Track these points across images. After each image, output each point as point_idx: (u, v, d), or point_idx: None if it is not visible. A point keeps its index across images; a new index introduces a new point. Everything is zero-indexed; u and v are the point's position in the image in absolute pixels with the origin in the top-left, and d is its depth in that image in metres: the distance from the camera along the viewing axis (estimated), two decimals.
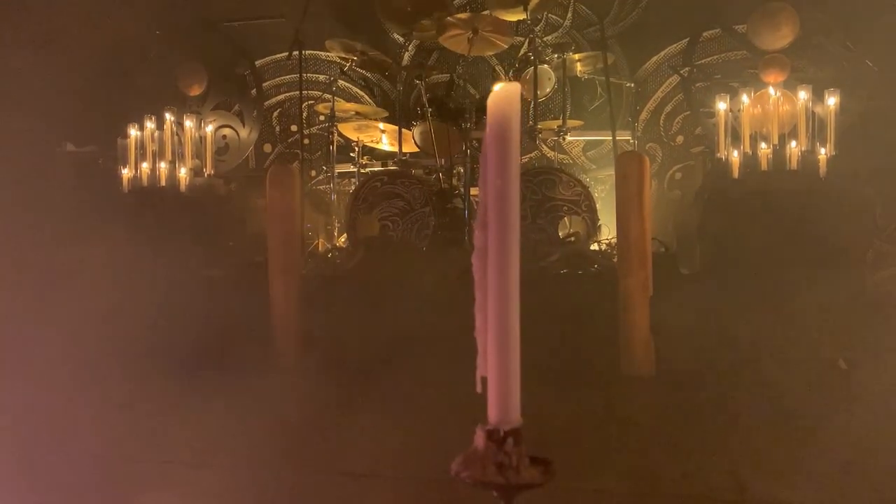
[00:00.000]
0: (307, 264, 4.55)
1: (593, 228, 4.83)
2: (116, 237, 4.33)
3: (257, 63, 6.86)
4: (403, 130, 5.54)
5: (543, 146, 6.37)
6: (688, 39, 6.21)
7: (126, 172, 5.36)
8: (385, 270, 4.37)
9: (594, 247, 4.89)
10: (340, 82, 6.08)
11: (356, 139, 5.79)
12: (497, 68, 6.55)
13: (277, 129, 6.96)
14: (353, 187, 5.60)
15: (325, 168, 6.15)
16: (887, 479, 2.33)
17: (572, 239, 4.76)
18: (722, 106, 4.82)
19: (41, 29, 5.64)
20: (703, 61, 6.18)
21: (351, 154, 5.81)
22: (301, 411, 3.22)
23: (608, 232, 4.97)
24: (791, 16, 5.51)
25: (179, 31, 6.66)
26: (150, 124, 5.45)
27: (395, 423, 2.90)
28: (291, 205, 4.08)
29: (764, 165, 4.58)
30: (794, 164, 4.53)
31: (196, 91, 6.55)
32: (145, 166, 5.36)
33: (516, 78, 5.69)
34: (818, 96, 4.66)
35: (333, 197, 5.76)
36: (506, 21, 5.52)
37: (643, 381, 3.59)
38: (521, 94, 4.55)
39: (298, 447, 2.72)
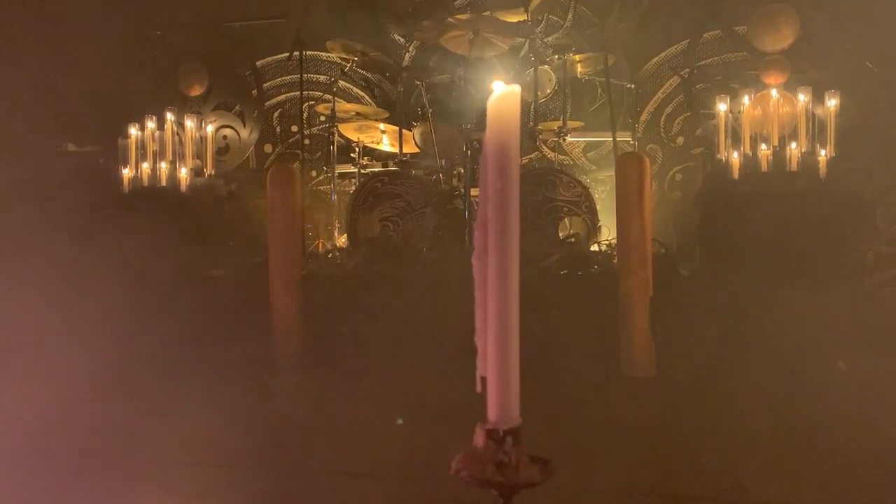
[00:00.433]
0: (307, 264, 4.55)
1: (593, 229, 4.83)
2: (116, 237, 4.34)
3: (258, 63, 6.87)
4: (404, 131, 5.54)
5: (544, 147, 6.37)
6: (688, 41, 6.21)
7: (127, 172, 5.37)
8: (385, 270, 4.37)
9: (594, 248, 4.89)
10: (341, 83, 6.08)
11: (357, 140, 5.80)
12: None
13: (278, 129, 6.97)
14: (353, 188, 5.60)
15: (325, 168, 6.16)
16: (887, 480, 2.33)
17: (572, 240, 4.76)
18: (722, 107, 4.83)
19: (42, 29, 5.64)
20: (703, 62, 6.19)
21: (351, 155, 5.81)
22: (301, 411, 3.23)
23: (608, 233, 4.97)
24: (791, 17, 5.51)
25: (180, 32, 6.67)
26: (150, 124, 5.46)
27: (394, 422, 2.91)
28: (292, 205, 4.09)
29: (764, 167, 4.58)
30: (794, 166, 4.54)
31: (197, 91, 6.56)
32: (146, 166, 5.37)
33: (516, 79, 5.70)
34: (818, 98, 4.67)
35: (334, 197, 5.76)
36: (506, 22, 5.53)
37: (643, 382, 3.60)
38: (521, 96, 4.56)
39: (298, 447, 2.73)
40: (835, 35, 5.57)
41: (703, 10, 6.08)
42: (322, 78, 6.70)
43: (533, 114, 5.60)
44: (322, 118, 6.27)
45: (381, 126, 5.73)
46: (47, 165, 5.54)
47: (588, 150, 6.47)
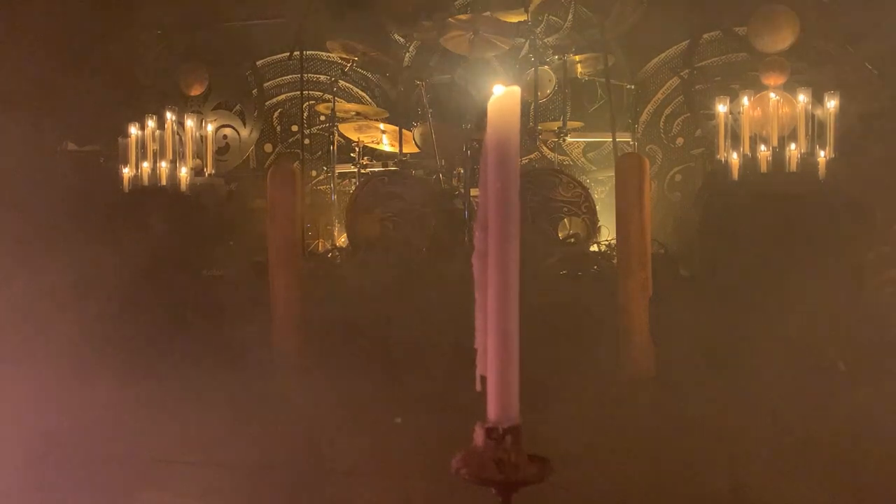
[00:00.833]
0: (307, 264, 4.55)
1: (593, 230, 4.83)
2: (116, 236, 4.34)
3: (258, 63, 6.87)
4: (404, 131, 5.55)
5: (544, 147, 6.37)
6: (688, 42, 6.22)
7: (127, 171, 5.37)
8: (385, 270, 4.38)
9: (594, 248, 4.89)
10: (341, 82, 6.08)
11: (357, 140, 5.80)
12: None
13: (278, 129, 6.96)
14: (353, 188, 5.60)
15: (325, 168, 6.16)
16: (887, 481, 2.34)
17: (572, 240, 4.77)
18: (722, 108, 4.83)
19: (42, 27, 5.64)
20: (703, 63, 6.19)
21: (351, 154, 5.81)
22: (300, 410, 3.23)
23: (608, 233, 4.97)
24: (791, 18, 5.51)
25: (181, 31, 6.67)
26: (151, 123, 5.46)
27: (394, 421, 2.92)
28: (292, 205, 4.09)
29: (763, 168, 4.58)
30: (793, 167, 4.54)
31: (197, 90, 6.56)
32: (146, 165, 5.37)
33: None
34: (818, 99, 4.67)
35: (334, 197, 5.76)
36: (506, 22, 5.53)
37: (643, 382, 3.60)
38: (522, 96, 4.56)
39: (298, 446, 2.73)
40: (834, 36, 5.57)
41: (702, 10, 6.08)
42: (322, 78, 6.70)
43: (533, 114, 5.60)
44: (322, 118, 6.27)
45: (382, 126, 5.73)
46: (48, 164, 5.54)
47: (588, 150, 6.47)
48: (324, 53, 6.59)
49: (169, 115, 5.54)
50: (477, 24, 5.24)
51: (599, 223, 4.89)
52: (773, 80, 5.34)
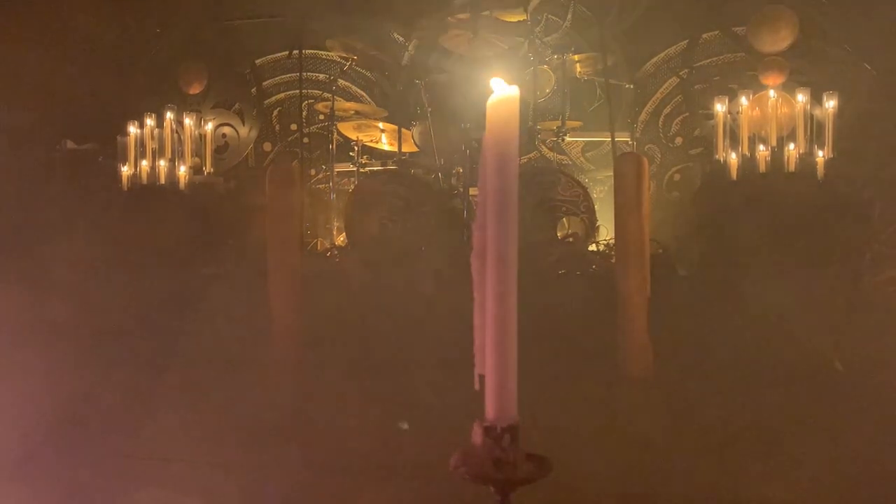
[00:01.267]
0: (306, 263, 4.55)
1: (592, 229, 4.83)
2: (115, 234, 4.34)
3: (257, 61, 6.86)
4: (403, 130, 5.55)
5: (543, 147, 6.37)
6: (687, 41, 6.22)
7: (126, 170, 5.37)
8: (383, 269, 4.38)
9: (592, 247, 4.89)
10: (340, 81, 6.08)
11: (356, 138, 5.80)
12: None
13: (277, 127, 6.96)
14: (352, 186, 5.60)
15: (324, 167, 6.16)
16: (886, 480, 2.34)
17: (571, 240, 4.77)
18: (720, 108, 4.84)
19: (41, 26, 5.64)
20: (702, 63, 6.19)
21: (350, 153, 5.81)
22: (300, 410, 3.23)
23: (606, 233, 4.97)
24: (790, 18, 5.51)
25: (180, 29, 6.67)
26: (149, 122, 5.46)
27: (393, 420, 2.91)
28: (291, 204, 4.09)
29: (762, 167, 4.59)
30: (792, 167, 4.55)
31: (196, 89, 6.55)
32: (145, 164, 5.37)
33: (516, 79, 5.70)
34: (816, 99, 4.68)
35: (333, 196, 5.76)
36: (506, 22, 5.53)
37: (641, 383, 3.60)
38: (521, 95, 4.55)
39: (298, 446, 2.73)
40: (833, 36, 5.58)
41: (701, 10, 6.08)
42: (321, 76, 6.69)
43: (532, 113, 5.60)
44: (321, 117, 6.26)
45: (381, 125, 5.73)
46: (47, 163, 5.54)
47: (587, 149, 6.48)
48: (323, 52, 6.59)
49: (168, 114, 5.54)
50: (476, 23, 5.24)
51: (598, 223, 4.89)
52: (772, 80, 5.34)
